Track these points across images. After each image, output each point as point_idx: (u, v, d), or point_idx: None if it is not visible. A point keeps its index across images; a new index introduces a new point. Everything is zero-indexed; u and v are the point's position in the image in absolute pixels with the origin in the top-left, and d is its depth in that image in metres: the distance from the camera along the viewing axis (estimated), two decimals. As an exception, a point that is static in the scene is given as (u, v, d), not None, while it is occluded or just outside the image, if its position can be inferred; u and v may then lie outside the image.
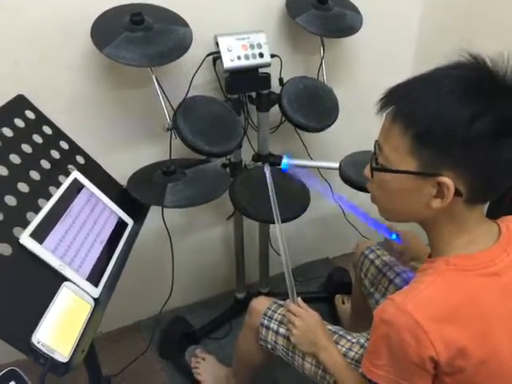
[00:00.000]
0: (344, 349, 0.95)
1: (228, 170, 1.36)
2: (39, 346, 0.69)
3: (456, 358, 0.65)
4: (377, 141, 0.72)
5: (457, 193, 0.64)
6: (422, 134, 0.64)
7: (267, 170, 1.03)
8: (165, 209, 1.29)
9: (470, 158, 0.62)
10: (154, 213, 1.17)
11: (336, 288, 1.67)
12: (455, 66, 0.66)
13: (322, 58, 1.36)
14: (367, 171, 0.74)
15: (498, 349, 0.67)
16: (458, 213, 0.68)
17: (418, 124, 0.64)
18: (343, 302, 1.61)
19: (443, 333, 0.64)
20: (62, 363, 0.71)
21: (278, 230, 0.98)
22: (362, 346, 0.95)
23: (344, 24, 1.31)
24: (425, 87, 0.66)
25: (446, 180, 0.63)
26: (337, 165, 1.30)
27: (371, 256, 1.20)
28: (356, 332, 1.00)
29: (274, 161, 1.39)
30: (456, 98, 0.62)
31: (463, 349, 0.64)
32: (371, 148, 1.32)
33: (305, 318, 0.96)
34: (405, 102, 0.66)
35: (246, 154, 1.40)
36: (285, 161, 1.21)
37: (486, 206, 0.97)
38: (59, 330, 0.73)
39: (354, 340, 0.97)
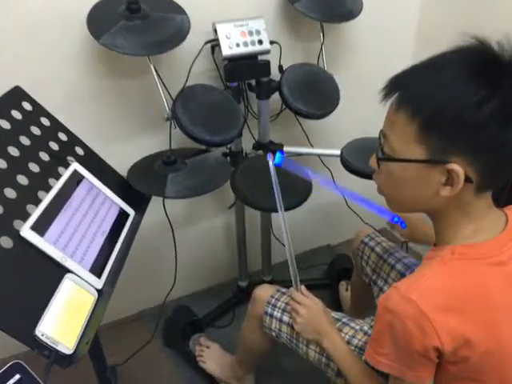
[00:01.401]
0: (347, 336, 0.95)
1: (228, 159, 1.35)
2: (43, 338, 0.69)
3: (461, 347, 0.64)
4: (381, 130, 0.70)
5: (467, 179, 0.63)
6: (429, 121, 0.62)
7: (270, 159, 1.02)
8: (166, 199, 1.29)
9: (479, 143, 0.61)
10: (155, 203, 1.16)
11: (338, 275, 1.68)
12: (459, 50, 0.64)
13: (322, 44, 1.34)
14: (373, 162, 0.72)
15: (503, 339, 0.67)
16: (466, 201, 0.67)
17: (425, 110, 0.62)
18: (346, 289, 1.61)
19: (448, 323, 0.63)
20: (67, 355, 0.71)
21: (281, 219, 0.97)
22: (365, 333, 0.95)
23: (344, 8, 1.29)
24: (430, 73, 0.64)
25: (455, 167, 0.62)
26: (338, 152, 1.29)
27: (371, 243, 1.19)
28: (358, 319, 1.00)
29: (275, 148, 1.39)
30: (462, 82, 0.60)
31: (468, 339, 0.64)
32: (372, 135, 1.31)
33: (308, 306, 0.96)
34: (410, 89, 0.65)
35: (247, 143, 1.39)
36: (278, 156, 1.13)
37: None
38: (63, 322, 0.73)
39: (358, 327, 0.97)
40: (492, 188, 0.68)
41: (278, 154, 1.00)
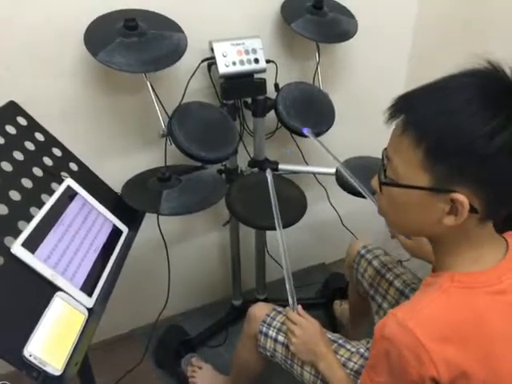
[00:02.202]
0: (343, 359, 0.94)
1: (224, 176, 1.34)
2: (31, 359, 0.67)
3: (458, 378, 0.63)
4: (385, 150, 0.68)
5: (471, 209, 0.61)
6: (436, 148, 0.60)
7: (269, 175, 1.02)
8: (160, 216, 1.28)
9: (487, 175, 0.59)
10: (148, 220, 1.15)
11: (333, 294, 1.66)
12: (471, 74, 0.61)
13: (318, 64, 1.35)
14: (375, 184, 0.71)
15: (501, 371, 0.65)
16: (469, 229, 0.65)
17: (432, 136, 0.60)
18: (340, 305, 1.60)
19: (445, 353, 0.62)
20: (55, 376, 0.69)
21: (279, 237, 0.96)
22: (361, 356, 0.94)
23: (339, 29, 1.31)
24: (438, 96, 0.62)
25: (459, 197, 0.60)
26: (333, 170, 1.29)
27: (368, 256, 1.18)
28: (357, 335, 0.98)
29: (270, 166, 1.39)
30: (474, 110, 0.57)
31: (465, 370, 0.62)
32: (367, 153, 1.32)
33: (305, 328, 0.94)
34: (417, 112, 0.62)
35: (242, 160, 1.39)
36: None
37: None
38: (52, 342, 0.72)
39: (354, 349, 0.96)
40: (496, 218, 0.66)
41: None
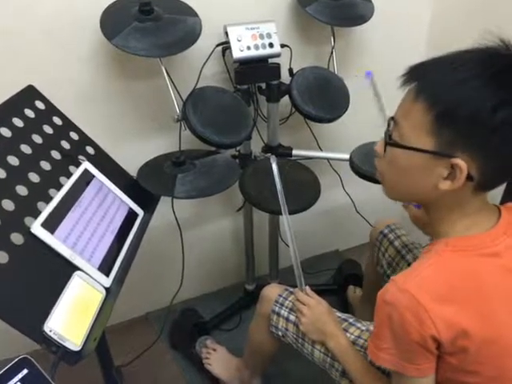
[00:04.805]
0: (353, 336, 0.95)
1: (237, 161, 1.35)
2: (51, 334, 0.70)
3: (458, 337, 0.65)
4: (392, 117, 0.71)
5: (468, 177, 0.64)
6: (444, 114, 0.63)
7: (273, 161, 1.02)
8: (175, 200, 1.29)
9: (489, 145, 0.62)
10: (163, 204, 1.17)
11: (346, 280, 1.67)
12: (483, 50, 0.65)
13: (333, 48, 1.34)
14: (380, 147, 0.74)
15: (500, 329, 0.68)
16: (463, 198, 0.68)
17: (442, 103, 0.63)
18: (354, 292, 1.60)
19: (444, 312, 0.65)
20: (74, 351, 0.71)
21: (284, 218, 0.98)
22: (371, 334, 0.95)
23: (355, 13, 1.30)
24: (451, 68, 0.65)
25: (459, 162, 0.63)
26: (347, 156, 1.29)
27: (391, 236, 1.19)
28: (366, 316, 0.99)
29: (284, 152, 1.39)
30: (482, 82, 0.61)
31: (465, 328, 0.65)
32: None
33: (313, 307, 0.97)
34: (430, 81, 0.66)
35: (256, 145, 1.40)
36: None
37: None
38: (71, 319, 0.74)
39: (364, 328, 0.96)
40: (490, 189, 0.69)
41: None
